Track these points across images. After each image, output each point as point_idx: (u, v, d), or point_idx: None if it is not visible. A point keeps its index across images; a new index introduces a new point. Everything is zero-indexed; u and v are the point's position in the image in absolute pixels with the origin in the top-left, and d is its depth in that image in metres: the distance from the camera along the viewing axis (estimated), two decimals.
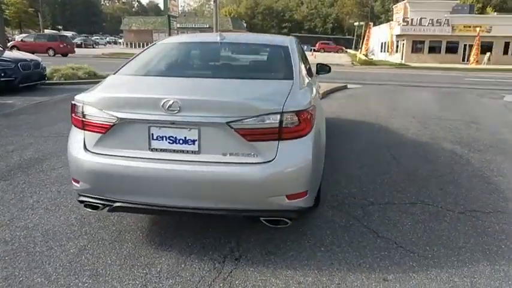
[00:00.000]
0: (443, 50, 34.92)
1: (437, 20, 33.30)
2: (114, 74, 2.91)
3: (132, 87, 2.70)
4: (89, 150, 2.44)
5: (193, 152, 2.32)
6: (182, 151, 2.33)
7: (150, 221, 3.04)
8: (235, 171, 2.27)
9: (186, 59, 3.41)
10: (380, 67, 27.80)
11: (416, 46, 35.43)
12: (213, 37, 3.38)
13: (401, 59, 34.70)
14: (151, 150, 2.35)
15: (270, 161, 2.28)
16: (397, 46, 36.28)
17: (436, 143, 5.64)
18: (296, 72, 2.84)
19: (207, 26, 53.27)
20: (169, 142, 2.33)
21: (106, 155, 2.40)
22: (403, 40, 35.50)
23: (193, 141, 2.30)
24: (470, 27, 32.80)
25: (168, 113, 2.25)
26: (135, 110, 2.32)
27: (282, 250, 2.66)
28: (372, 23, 37.13)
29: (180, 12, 42.43)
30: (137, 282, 2.30)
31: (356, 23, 45.48)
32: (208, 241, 2.74)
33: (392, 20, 41.18)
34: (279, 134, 2.28)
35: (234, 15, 71.49)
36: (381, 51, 42.11)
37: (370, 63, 30.83)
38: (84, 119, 2.45)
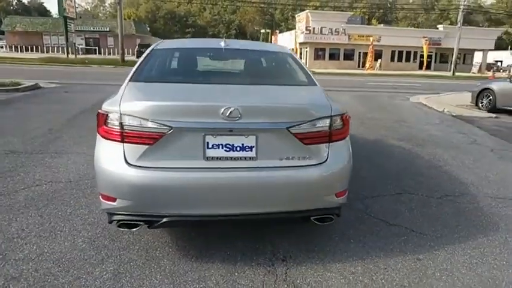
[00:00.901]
0: (342, 56, 38.59)
1: (336, 29, 36.66)
2: (131, 81, 2.70)
3: (179, 94, 2.53)
4: (131, 164, 2.25)
5: (250, 159, 2.31)
6: (239, 158, 2.30)
7: (170, 234, 2.89)
8: (295, 174, 2.34)
9: (205, 66, 3.32)
10: None
11: (318, 53, 38.50)
12: (217, 43, 3.34)
13: (305, 65, 37.31)
14: (207, 159, 2.28)
15: (323, 162, 2.41)
16: (301, 53, 38.86)
17: (384, 140, 6.35)
18: (314, 78, 3.01)
19: (108, 30, 50.14)
20: (225, 150, 2.28)
21: (154, 167, 2.24)
22: (306, 47, 38.23)
23: (251, 148, 2.30)
24: (363, 36, 36.84)
25: (227, 120, 2.22)
26: (190, 119, 2.22)
27: (317, 247, 2.78)
28: (277, 31, 39.22)
29: (76, 13, 38.99)
30: None
31: (263, 30, 47.44)
32: (246, 248, 2.72)
33: (292, 28, 44.07)
34: (329, 136, 2.42)
35: (134, 19, 68.42)
36: None
37: None
38: (123, 130, 2.25)
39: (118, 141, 2.27)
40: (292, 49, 40.61)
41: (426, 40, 34.98)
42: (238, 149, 2.29)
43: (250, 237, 2.87)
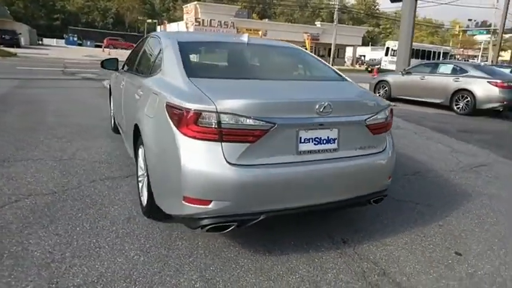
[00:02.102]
0: None
1: (225, 22, 37.27)
2: (191, 76, 2.51)
3: (270, 91, 2.55)
4: (232, 163, 2.16)
5: (334, 150, 2.44)
6: (325, 150, 2.41)
7: (223, 235, 2.81)
8: (368, 162, 2.56)
9: (241, 61, 3.21)
10: None
11: None
12: (237, 38, 3.27)
13: None
14: (299, 153, 2.32)
15: (383, 150, 2.69)
16: None
17: None
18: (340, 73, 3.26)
19: None
20: (314, 143, 2.37)
21: (254, 165, 2.20)
22: None
23: (334, 140, 2.43)
24: (251, 30, 38.23)
25: (319, 115, 2.31)
26: (290, 114, 2.25)
27: (361, 228, 3.06)
28: (166, 21, 37.94)
29: None
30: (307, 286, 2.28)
31: (149, 20, 45.23)
32: (304, 238, 2.83)
33: (175, 19, 43.25)
34: (386, 127, 2.71)
35: None
36: None
37: None
38: (222, 129, 2.14)
39: (215, 140, 2.15)
40: None
41: (308, 35, 38.25)
42: (324, 141, 2.40)
43: (296, 228, 2.99)
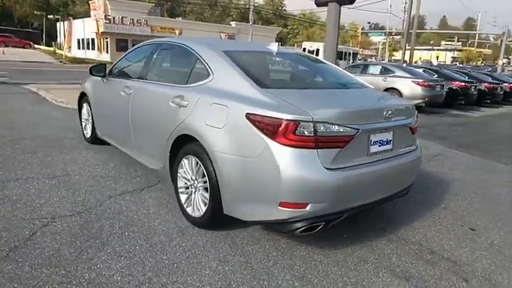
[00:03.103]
0: None
1: (138, 20, 35.60)
2: (263, 87, 2.61)
3: (343, 100, 2.89)
4: (327, 168, 2.35)
5: (390, 150, 2.78)
6: (385, 151, 2.74)
7: (277, 234, 2.97)
8: (411, 158, 2.96)
9: (289, 71, 3.33)
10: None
11: (121, 44, 36.45)
12: (264, 47, 3.40)
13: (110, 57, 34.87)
14: (370, 154, 2.61)
15: (416, 148, 3.13)
16: (106, 44, 35.95)
17: None
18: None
19: None
20: (379, 145, 2.67)
21: (342, 168, 2.42)
22: (107, 38, 35.64)
23: (390, 141, 2.77)
24: (165, 29, 37.19)
25: (385, 120, 2.62)
26: (366, 121, 2.52)
27: (394, 216, 3.47)
28: (71, 18, 34.87)
29: None
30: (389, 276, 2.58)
31: (51, 16, 40.82)
32: (350, 229, 3.13)
33: (73, 15, 40.14)
34: (417, 127, 3.15)
35: None
36: (79, 48, 40.38)
37: (81, 61, 29.37)
38: (317, 137, 2.31)
39: (312, 148, 2.31)
40: (94, 40, 37.05)
41: (226, 35, 38.61)
42: (385, 143, 2.73)
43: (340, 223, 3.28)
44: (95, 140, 4.98)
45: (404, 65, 16.36)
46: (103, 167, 4.30)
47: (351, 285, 2.40)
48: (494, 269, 2.71)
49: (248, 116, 2.45)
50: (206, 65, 3.02)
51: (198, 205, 2.93)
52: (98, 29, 33.68)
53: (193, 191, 2.99)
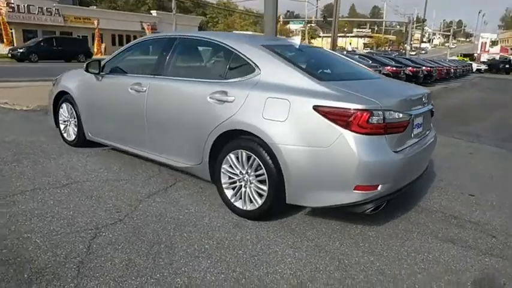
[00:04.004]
0: None
1: (48, 9, 32.30)
2: (323, 80, 2.78)
3: (392, 90, 3.22)
4: (393, 151, 2.61)
5: (421, 132, 3.13)
6: (419, 133, 3.08)
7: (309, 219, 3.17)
8: (433, 138, 3.37)
9: (324, 63, 3.45)
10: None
11: (28, 35, 32.80)
12: (287, 41, 3.49)
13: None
14: (413, 136, 2.92)
15: (432, 128, 3.54)
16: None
17: None
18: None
19: None
20: (416, 128, 2.99)
21: (401, 150, 2.70)
22: (11, 29, 31.75)
23: (421, 125, 3.12)
24: (80, 18, 34.32)
25: (422, 105, 2.97)
26: (415, 107, 2.84)
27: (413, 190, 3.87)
28: None
29: None
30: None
31: None
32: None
33: None
34: (433, 113, 3.55)
35: None
36: None
37: None
38: (386, 123, 2.54)
39: (381, 134, 2.54)
40: None
41: (148, 25, 36.88)
42: (419, 126, 3.07)
43: None
44: (81, 142, 4.63)
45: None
46: (108, 170, 4.04)
47: (414, 253, 2.71)
48: (509, 225, 3.24)
49: (317, 108, 2.58)
50: (249, 60, 3.04)
51: (251, 198, 2.98)
52: (2, 19, 29.73)
53: (243, 185, 3.03)
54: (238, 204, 3.08)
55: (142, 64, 3.92)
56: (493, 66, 41.73)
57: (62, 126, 4.89)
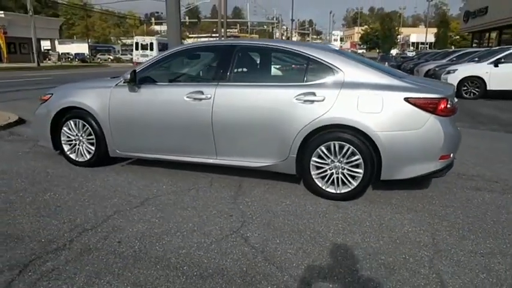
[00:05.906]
0: None
1: None
2: (394, 78, 3.39)
3: (435, 83, 3.88)
4: (456, 127, 3.47)
5: None
6: None
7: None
8: None
9: (369, 63, 3.92)
10: None
11: None
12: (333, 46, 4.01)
13: None
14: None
15: None
16: None
17: None
18: None
19: None
20: None
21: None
22: None
23: None
24: None
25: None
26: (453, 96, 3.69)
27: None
28: None
29: None
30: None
31: None
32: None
33: None
34: None
35: None
36: None
37: None
38: (452, 107, 3.37)
39: (451, 114, 3.37)
40: None
41: (1, 27, 31.28)
42: None
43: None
44: (99, 161, 4.31)
45: None
46: (156, 187, 3.81)
47: (465, 200, 3.63)
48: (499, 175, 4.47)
49: (407, 100, 3.24)
50: (329, 64, 3.49)
51: (346, 181, 3.46)
52: None
53: (335, 172, 3.49)
54: (331, 189, 3.51)
55: (196, 73, 3.90)
56: None
57: (66, 147, 4.39)
